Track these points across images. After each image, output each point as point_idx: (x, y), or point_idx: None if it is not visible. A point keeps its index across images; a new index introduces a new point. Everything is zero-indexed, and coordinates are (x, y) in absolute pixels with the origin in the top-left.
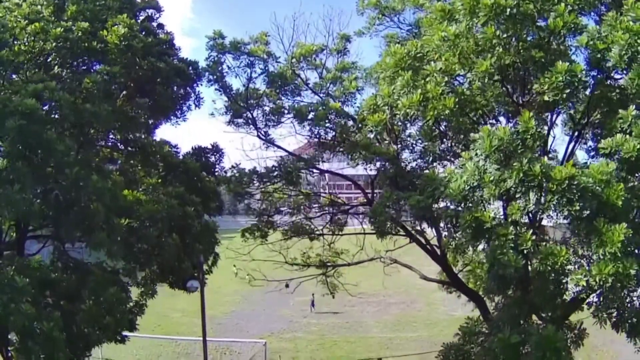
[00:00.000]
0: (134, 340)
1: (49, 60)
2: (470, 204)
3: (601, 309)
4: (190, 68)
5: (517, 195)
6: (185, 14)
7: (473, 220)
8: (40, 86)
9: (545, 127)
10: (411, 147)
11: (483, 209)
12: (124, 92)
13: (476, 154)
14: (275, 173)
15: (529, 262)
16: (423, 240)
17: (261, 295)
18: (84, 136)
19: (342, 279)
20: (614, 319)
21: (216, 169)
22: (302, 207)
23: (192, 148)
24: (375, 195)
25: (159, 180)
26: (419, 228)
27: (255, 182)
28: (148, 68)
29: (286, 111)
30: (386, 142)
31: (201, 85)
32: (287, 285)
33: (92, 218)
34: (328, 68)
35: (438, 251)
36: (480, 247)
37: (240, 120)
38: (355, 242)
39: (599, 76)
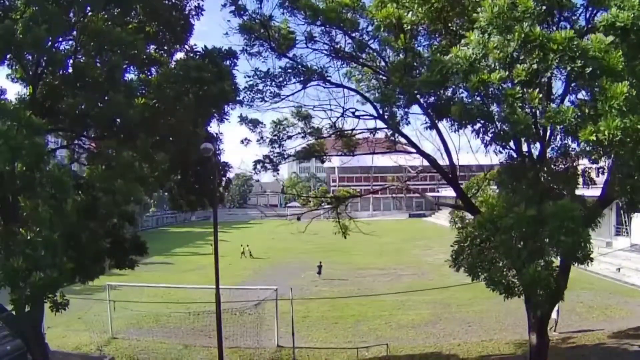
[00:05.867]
0: (144, 293)
1: None
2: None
3: (615, 179)
4: None
5: (521, 58)
6: None
7: (480, 83)
8: None
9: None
10: (418, 46)
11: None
12: None
13: (479, 28)
14: (290, 71)
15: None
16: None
17: (272, 270)
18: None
19: (351, 256)
20: (629, 197)
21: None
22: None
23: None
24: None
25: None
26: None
27: (268, 87)
28: None
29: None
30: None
31: None
32: (298, 219)
33: (113, 72)
34: None
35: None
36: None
37: (253, 50)
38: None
39: None
